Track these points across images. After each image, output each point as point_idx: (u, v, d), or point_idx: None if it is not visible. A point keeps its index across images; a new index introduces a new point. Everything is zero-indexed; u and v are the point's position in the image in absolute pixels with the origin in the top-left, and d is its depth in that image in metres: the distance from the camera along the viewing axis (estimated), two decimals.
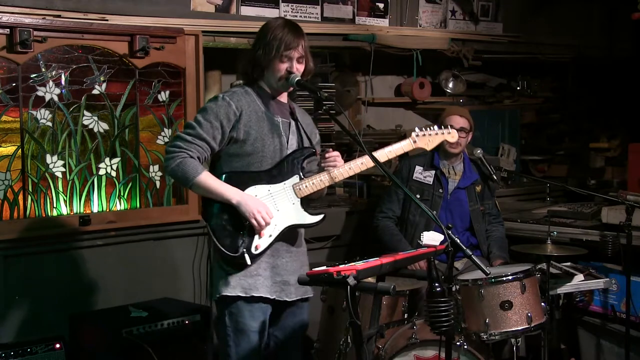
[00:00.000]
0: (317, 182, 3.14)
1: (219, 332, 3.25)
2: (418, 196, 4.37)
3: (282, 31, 3.08)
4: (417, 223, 4.40)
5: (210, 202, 3.09)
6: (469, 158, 4.56)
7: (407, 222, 4.46)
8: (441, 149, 4.42)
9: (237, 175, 3.11)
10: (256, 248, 3.08)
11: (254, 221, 3.02)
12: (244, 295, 3.10)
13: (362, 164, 3.15)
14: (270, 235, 3.10)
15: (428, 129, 3.35)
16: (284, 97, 3.23)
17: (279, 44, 3.06)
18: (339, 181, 3.22)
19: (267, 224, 3.05)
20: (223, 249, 3.06)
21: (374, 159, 3.01)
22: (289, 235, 3.18)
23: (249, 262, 3.06)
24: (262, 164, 3.12)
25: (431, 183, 4.42)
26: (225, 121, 3.07)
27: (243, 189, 3.07)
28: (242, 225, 3.06)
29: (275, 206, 3.11)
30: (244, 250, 3.05)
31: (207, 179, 3.04)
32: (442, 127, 3.40)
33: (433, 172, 4.43)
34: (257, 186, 3.09)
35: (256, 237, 3.07)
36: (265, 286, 3.13)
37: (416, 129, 3.33)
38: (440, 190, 4.40)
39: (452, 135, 3.42)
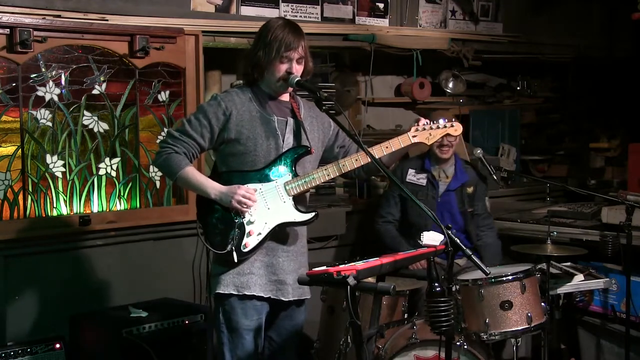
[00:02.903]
0: (309, 181, 3.14)
1: (215, 329, 3.27)
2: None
3: (282, 32, 3.08)
4: (419, 224, 4.43)
5: (202, 202, 3.13)
6: (460, 160, 4.58)
7: (408, 224, 4.50)
8: (432, 154, 4.49)
9: (232, 174, 3.13)
10: (245, 246, 3.09)
11: (236, 205, 3.04)
12: (236, 293, 3.12)
13: (356, 160, 3.14)
14: (260, 234, 3.11)
15: (430, 122, 3.20)
16: (284, 96, 3.22)
17: (279, 45, 3.06)
18: (333, 178, 3.20)
19: (250, 199, 3.05)
20: (210, 247, 3.10)
21: (373, 158, 3.00)
22: (284, 234, 3.18)
23: (235, 259, 3.07)
24: (256, 163, 3.13)
25: (425, 184, 4.49)
26: (214, 120, 3.10)
27: None
28: (232, 223, 3.08)
29: (266, 205, 3.12)
30: (233, 248, 3.07)
31: (189, 173, 3.09)
32: (445, 120, 3.23)
33: (425, 175, 4.49)
34: (248, 185, 3.10)
35: (246, 235, 3.09)
36: (259, 285, 3.13)
37: (416, 123, 3.20)
38: (434, 192, 4.45)
39: (455, 129, 3.24)
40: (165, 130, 4.36)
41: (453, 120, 3.26)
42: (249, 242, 3.10)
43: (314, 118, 3.26)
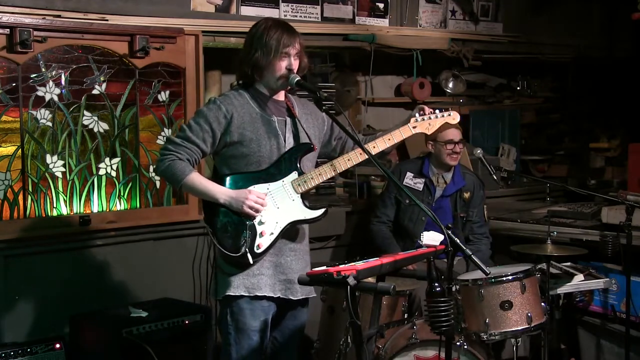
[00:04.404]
0: (316, 177, 3.15)
1: (221, 330, 3.26)
2: (407, 202, 4.45)
3: (277, 31, 3.09)
4: (410, 229, 4.46)
5: (210, 205, 3.11)
6: (460, 165, 4.58)
7: (400, 228, 4.54)
8: (434, 159, 4.48)
9: (236, 177, 3.12)
10: (258, 247, 3.09)
11: (248, 210, 3.04)
12: (247, 294, 3.11)
13: (360, 154, 3.16)
14: (272, 234, 3.11)
15: (428, 112, 3.27)
16: (280, 96, 3.23)
17: (277, 43, 3.07)
18: (337, 174, 3.23)
19: (262, 204, 3.05)
20: (224, 250, 3.06)
21: (373, 159, 3.01)
22: (292, 233, 3.19)
23: (251, 261, 3.07)
24: (260, 164, 3.12)
25: (421, 190, 4.47)
26: (215, 124, 3.08)
27: None
28: (243, 225, 3.07)
29: (275, 204, 3.12)
30: (246, 250, 3.06)
31: (194, 179, 3.07)
32: (443, 110, 3.30)
33: (423, 180, 4.48)
34: (255, 186, 3.10)
35: (258, 235, 3.08)
36: (269, 285, 3.14)
37: (416, 114, 3.26)
38: (430, 198, 4.44)
39: (453, 118, 3.32)
40: (166, 130, 4.37)
41: (449, 109, 3.33)
42: (262, 243, 3.09)
43: (308, 115, 3.27)
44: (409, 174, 4.51)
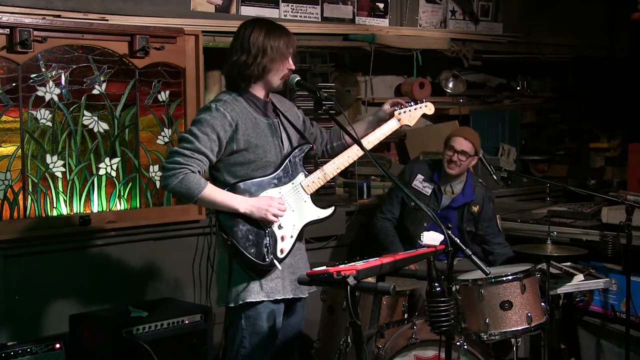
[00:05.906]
0: (323, 176, 3.17)
1: (231, 334, 3.20)
2: (412, 204, 4.41)
3: (278, 33, 3.10)
4: (412, 231, 4.44)
5: (226, 215, 3.06)
6: (472, 179, 4.53)
7: (402, 228, 4.53)
8: (442, 170, 4.44)
9: (248, 183, 3.09)
10: (281, 252, 3.09)
11: (272, 217, 3.03)
12: (267, 299, 3.10)
13: (358, 150, 3.20)
14: (292, 236, 3.13)
15: (407, 105, 3.40)
16: (267, 97, 3.23)
17: (285, 46, 3.08)
18: (341, 171, 3.26)
19: (284, 210, 3.07)
20: (253, 258, 3.03)
21: (375, 161, 3.01)
22: (301, 233, 3.20)
23: (279, 267, 3.07)
24: (266, 168, 3.12)
25: (428, 194, 4.44)
26: (222, 133, 3.03)
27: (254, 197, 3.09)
28: (263, 232, 3.06)
29: (290, 207, 3.13)
30: (272, 256, 3.05)
31: (211, 192, 3.01)
32: (418, 102, 3.45)
33: (432, 185, 4.45)
34: (267, 191, 3.09)
35: (279, 240, 3.09)
36: (284, 287, 3.14)
37: (395, 108, 3.39)
38: (436, 204, 4.42)
39: (429, 109, 3.48)
40: (166, 130, 4.36)
41: (424, 100, 3.48)
42: (285, 247, 3.11)
43: (287, 112, 3.28)
44: (420, 177, 4.49)
